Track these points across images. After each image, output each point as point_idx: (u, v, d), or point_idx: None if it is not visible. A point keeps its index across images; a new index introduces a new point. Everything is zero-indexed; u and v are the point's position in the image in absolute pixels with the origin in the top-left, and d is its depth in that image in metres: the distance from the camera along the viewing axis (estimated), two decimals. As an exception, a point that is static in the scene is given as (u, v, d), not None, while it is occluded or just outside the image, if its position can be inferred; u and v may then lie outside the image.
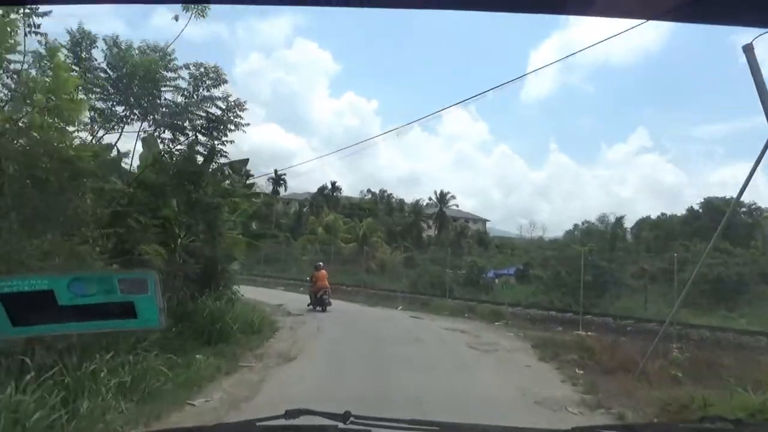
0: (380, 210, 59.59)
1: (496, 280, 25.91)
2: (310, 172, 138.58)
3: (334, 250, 34.89)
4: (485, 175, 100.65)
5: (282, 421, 1.60)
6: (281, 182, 56.82)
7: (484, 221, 74.73)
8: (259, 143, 79.87)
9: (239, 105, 11.21)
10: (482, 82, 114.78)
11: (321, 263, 20.69)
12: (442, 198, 60.95)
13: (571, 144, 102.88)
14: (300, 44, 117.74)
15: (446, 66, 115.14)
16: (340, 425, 1.57)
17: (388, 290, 24.63)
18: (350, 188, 62.11)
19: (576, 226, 63.06)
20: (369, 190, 65.11)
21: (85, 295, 1.38)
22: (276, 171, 52.94)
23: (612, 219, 53.52)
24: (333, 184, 60.51)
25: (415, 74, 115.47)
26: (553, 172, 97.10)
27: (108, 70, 10.19)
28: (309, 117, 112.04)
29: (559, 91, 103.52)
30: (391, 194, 65.59)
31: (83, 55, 10.01)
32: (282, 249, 37.53)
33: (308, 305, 19.16)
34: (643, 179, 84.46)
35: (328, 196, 58.13)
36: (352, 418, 1.59)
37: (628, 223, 54.46)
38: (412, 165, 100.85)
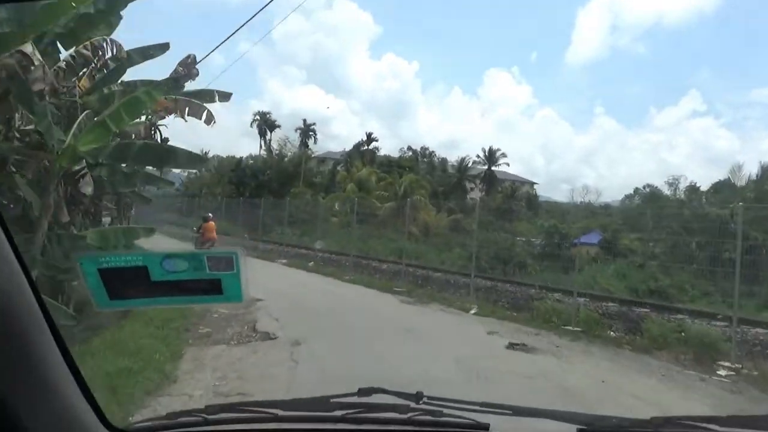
0: (421, 169, 53.44)
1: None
2: (350, 136, 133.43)
3: (368, 211, 29.14)
4: (528, 139, 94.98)
5: (355, 398, 1.64)
6: (311, 134, 51.06)
7: (532, 184, 67.93)
8: (300, 106, 76.67)
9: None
10: (526, 43, 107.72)
11: (211, 214, 20.78)
12: (491, 156, 54.38)
13: (618, 108, 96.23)
14: (340, 5, 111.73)
15: (488, 26, 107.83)
16: (412, 404, 1.60)
17: (443, 271, 17.06)
18: (389, 152, 56.01)
19: (637, 190, 56.52)
20: (409, 147, 58.58)
21: (176, 271, 1.45)
22: (305, 121, 47.06)
23: (683, 182, 46.52)
24: (369, 135, 53.68)
25: (457, 35, 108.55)
26: (599, 137, 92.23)
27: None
28: (349, 79, 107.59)
29: (606, 52, 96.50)
30: (433, 152, 59.10)
31: None
32: (309, 209, 32.03)
33: None
34: (694, 144, 78.44)
35: (364, 151, 51.85)
36: (425, 398, 1.62)
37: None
38: (453, 129, 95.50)
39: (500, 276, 15.17)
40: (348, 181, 34.28)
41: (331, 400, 1.65)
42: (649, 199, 48.89)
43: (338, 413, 1.61)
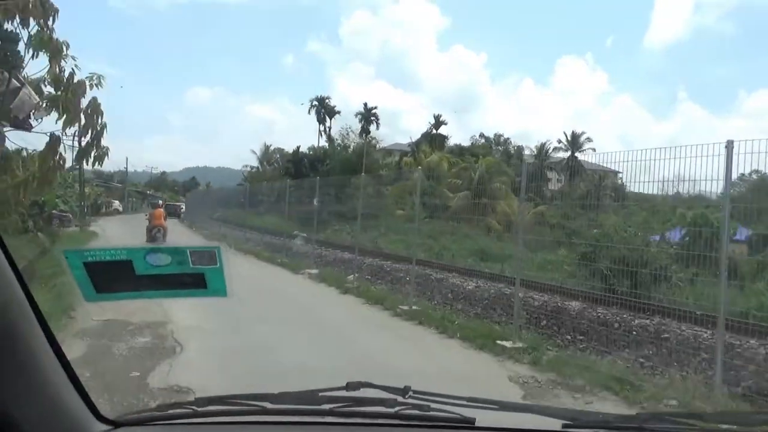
0: (496, 158, 48.51)
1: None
2: (418, 130, 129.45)
3: (438, 202, 25.04)
4: (604, 128, 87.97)
5: (343, 392, 1.67)
6: (372, 119, 47.10)
7: (616, 173, 61.53)
8: (369, 102, 74.39)
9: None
10: (601, 28, 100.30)
11: (161, 201, 23.45)
12: (575, 141, 48.81)
13: (703, 92, 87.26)
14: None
15: (560, 12, 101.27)
16: (399, 398, 1.61)
17: (560, 290, 11.24)
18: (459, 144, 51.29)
19: (743, 176, 49.50)
20: (482, 134, 53.58)
21: (160, 265, 1.48)
22: (365, 105, 43.19)
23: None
24: (437, 118, 48.83)
25: (527, 23, 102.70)
26: (683, 124, 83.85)
27: None
28: (417, 73, 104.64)
29: (689, 33, 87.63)
30: (508, 138, 53.99)
31: None
32: (372, 202, 28.03)
33: (146, 242, 19.82)
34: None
35: (432, 136, 47.22)
36: (411, 392, 1.64)
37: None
38: (524, 120, 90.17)
39: (637, 295, 9.93)
40: (416, 167, 30.30)
41: (320, 394, 1.67)
42: (758, 186, 42.18)
43: (326, 407, 1.63)
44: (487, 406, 1.64)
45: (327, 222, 25.95)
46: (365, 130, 47.63)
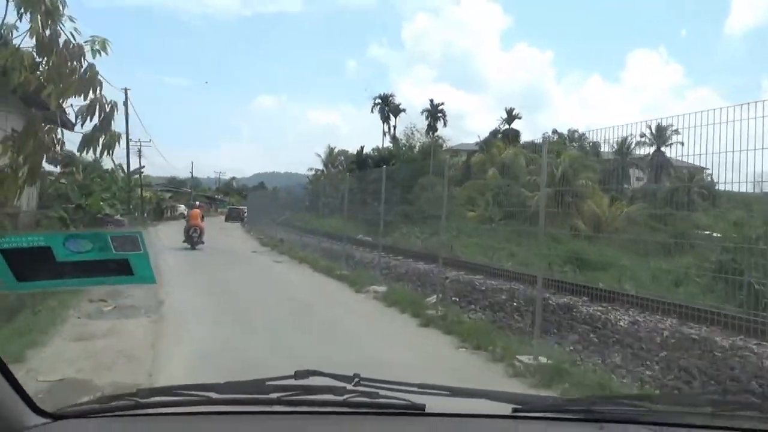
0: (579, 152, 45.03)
1: None
2: (483, 131, 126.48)
3: (515, 201, 22.63)
4: (679, 124, 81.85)
5: (291, 381, 1.65)
6: (439, 116, 44.76)
7: (703, 169, 56.47)
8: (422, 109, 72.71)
9: None
10: (675, 18, 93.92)
11: (198, 202, 23.88)
12: (660, 134, 44.70)
13: None
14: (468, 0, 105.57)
15: (630, 4, 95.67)
16: (348, 386, 1.61)
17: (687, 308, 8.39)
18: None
19: None
20: (554, 131, 50.18)
21: (81, 251, 1.43)
22: (432, 101, 40.93)
23: None
24: (510, 112, 45.70)
25: (594, 18, 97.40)
26: None
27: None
28: (480, 74, 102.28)
29: None
30: (584, 134, 50.33)
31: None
32: (440, 203, 25.76)
33: (183, 242, 20.57)
34: None
35: (504, 132, 44.28)
36: (359, 380, 1.63)
37: None
38: (593, 117, 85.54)
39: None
40: (488, 165, 27.72)
41: (267, 383, 1.64)
42: None
43: (274, 395, 1.61)
44: (437, 392, 1.64)
45: (393, 224, 23.77)
46: (432, 128, 45.37)
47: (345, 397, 1.57)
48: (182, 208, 54.08)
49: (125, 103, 28.84)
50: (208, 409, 1.56)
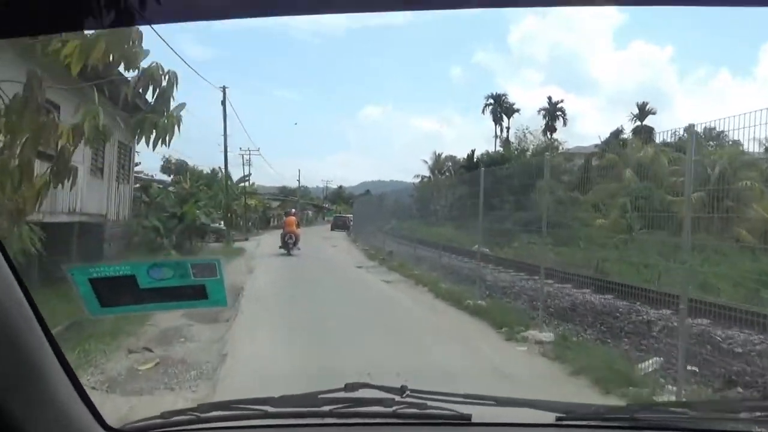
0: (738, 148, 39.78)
1: None
2: (593, 135, 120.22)
3: (658, 207, 19.28)
4: None
5: (342, 394, 1.69)
6: (558, 115, 40.90)
7: None
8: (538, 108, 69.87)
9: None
10: None
11: (293, 209, 26.55)
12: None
13: None
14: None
15: None
16: (397, 398, 1.64)
17: None
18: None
19: None
20: (691, 126, 44.63)
21: (163, 279, 1.51)
22: (549, 99, 37.42)
23: None
24: (642, 107, 40.45)
25: (721, 10, 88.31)
26: None
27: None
28: (591, 74, 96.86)
29: None
30: (722, 131, 44.63)
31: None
32: (562, 210, 22.80)
33: (279, 247, 21.89)
34: None
35: (637, 128, 39.56)
36: (408, 392, 1.67)
37: None
38: (719, 116, 76.88)
39: None
40: (621, 166, 24.32)
41: (319, 396, 1.68)
42: None
43: (326, 408, 1.65)
44: (483, 402, 1.68)
45: (511, 233, 21.09)
46: (550, 128, 41.83)
47: (394, 408, 1.60)
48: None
49: (223, 103, 27.84)
50: (264, 422, 1.61)
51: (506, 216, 20.96)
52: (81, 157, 11.04)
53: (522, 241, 20.67)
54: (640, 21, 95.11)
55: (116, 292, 1.49)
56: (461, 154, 57.37)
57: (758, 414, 1.70)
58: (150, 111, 5.14)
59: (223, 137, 27.33)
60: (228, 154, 28.15)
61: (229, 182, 30.22)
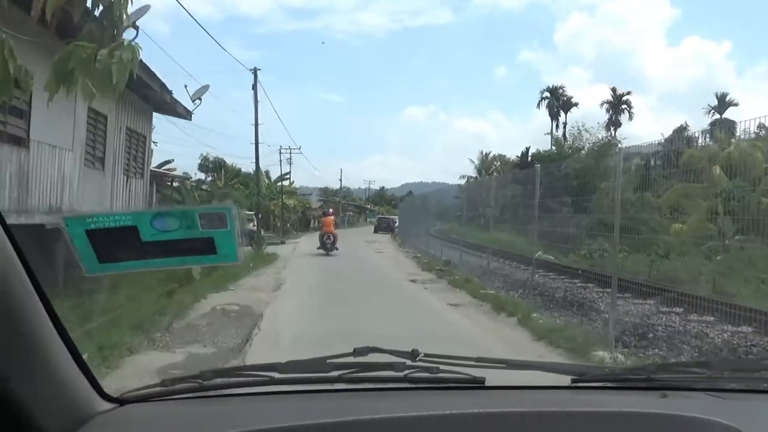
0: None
1: None
2: (644, 135, 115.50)
3: (754, 211, 16.63)
4: None
5: (351, 359, 1.61)
6: (624, 109, 37.67)
7: None
8: (589, 108, 66.53)
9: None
10: None
11: (331, 210, 26.32)
12: None
13: None
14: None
15: None
16: (408, 362, 1.58)
17: None
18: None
19: None
20: (761, 125, 40.88)
21: (167, 230, 1.37)
22: (614, 90, 34.37)
23: None
24: (722, 98, 36.40)
25: None
26: None
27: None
28: (642, 72, 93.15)
29: None
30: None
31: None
32: (632, 212, 20.10)
33: (317, 248, 22.45)
34: None
35: (716, 121, 35.91)
36: (421, 356, 1.60)
37: None
38: None
39: None
40: (707, 162, 21.53)
41: (327, 361, 1.59)
42: None
43: (334, 374, 1.59)
44: (496, 365, 1.64)
45: (575, 238, 18.46)
46: (614, 123, 38.58)
47: (405, 372, 1.56)
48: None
49: (254, 87, 25.99)
50: (270, 389, 1.58)
51: (566, 219, 18.43)
52: (70, 142, 9.10)
53: (592, 247, 18.12)
54: (695, 17, 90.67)
55: (116, 246, 1.34)
56: (507, 154, 54.97)
57: None
58: (86, 38, 3.26)
59: (254, 132, 25.31)
60: (270, 153, 26.31)
61: (265, 180, 28.41)
